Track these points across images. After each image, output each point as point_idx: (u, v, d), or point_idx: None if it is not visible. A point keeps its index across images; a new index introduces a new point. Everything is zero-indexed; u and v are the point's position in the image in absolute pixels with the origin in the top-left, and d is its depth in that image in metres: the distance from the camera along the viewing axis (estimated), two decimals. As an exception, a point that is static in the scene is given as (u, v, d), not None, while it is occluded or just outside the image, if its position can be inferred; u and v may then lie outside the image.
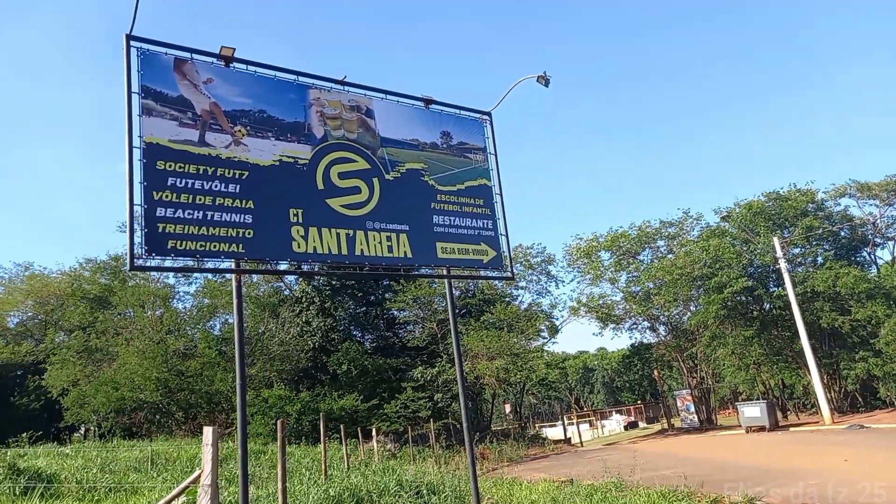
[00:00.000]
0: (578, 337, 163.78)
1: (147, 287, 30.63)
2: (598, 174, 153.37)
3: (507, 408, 43.01)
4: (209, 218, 6.19)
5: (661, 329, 33.87)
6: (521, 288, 34.91)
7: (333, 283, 31.42)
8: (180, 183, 6.11)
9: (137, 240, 5.73)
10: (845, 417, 24.14)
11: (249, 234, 6.40)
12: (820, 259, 28.14)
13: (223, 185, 6.38)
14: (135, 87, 6.08)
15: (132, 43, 6.17)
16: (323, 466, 11.99)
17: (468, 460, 7.74)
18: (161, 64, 6.36)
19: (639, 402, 55.46)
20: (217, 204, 6.28)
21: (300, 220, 6.78)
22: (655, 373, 38.78)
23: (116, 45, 6.16)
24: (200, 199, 6.19)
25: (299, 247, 6.71)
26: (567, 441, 31.69)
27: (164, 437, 24.46)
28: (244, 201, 6.46)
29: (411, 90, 9.29)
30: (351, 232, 7.13)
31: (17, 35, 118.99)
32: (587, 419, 46.33)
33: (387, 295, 32.87)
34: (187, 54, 6.55)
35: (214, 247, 6.16)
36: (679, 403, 33.31)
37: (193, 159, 6.27)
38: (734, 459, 14.72)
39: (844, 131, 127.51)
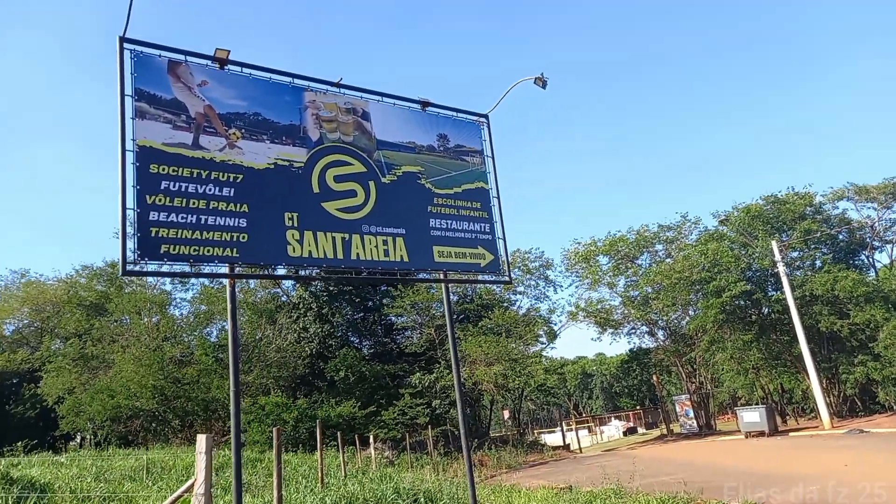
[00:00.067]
0: (577, 342, 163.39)
1: (143, 294, 30.44)
2: (599, 175, 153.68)
3: (506, 414, 42.81)
4: (203, 222, 6.11)
5: (660, 334, 33.81)
6: (520, 293, 34.91)
7: (331, 288, 31.31)
8: (174, 187, 6.04)
9: (130, 245, 5.66)
10: (845, 422, 24.06)
11: (244, 238, 6.33)
12: (818, 262, 28.11)
13: (217, 188, 6.31)
14: (128, 90, 6.03)
15: (126, 45, 6.13)
16: (320, 474, 11.91)
17: (466, 467, 7.65)
18: (155, 66, 6.31)
19: (638, 407, 55.35)
20: (211, 208, 6.21)
21: (295, 224, 6.71)
22: (654, 378, 38.66)
23: (115, 45, 6.10)
24: (194, 203, 6.12)
25: (294, 251, 6.64)
26: (566, 447, 31.52)
27: (161, 445, 24.22)
28: (238, 205, 6.40)
29: (408, 93, 9.21)
30: (347, 236, 7.06)
31: (18, 35, 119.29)
32: (586, 425, 46.29)
33: (384, 300, 32.75)
34: (181, 56, 6.50)
35: (208, 251, 6.09)
36: (678, 409, 33.22)
37: (187, 163, 6.21)
38: (734, 465, 14.64)
39: (844, 131, 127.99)
